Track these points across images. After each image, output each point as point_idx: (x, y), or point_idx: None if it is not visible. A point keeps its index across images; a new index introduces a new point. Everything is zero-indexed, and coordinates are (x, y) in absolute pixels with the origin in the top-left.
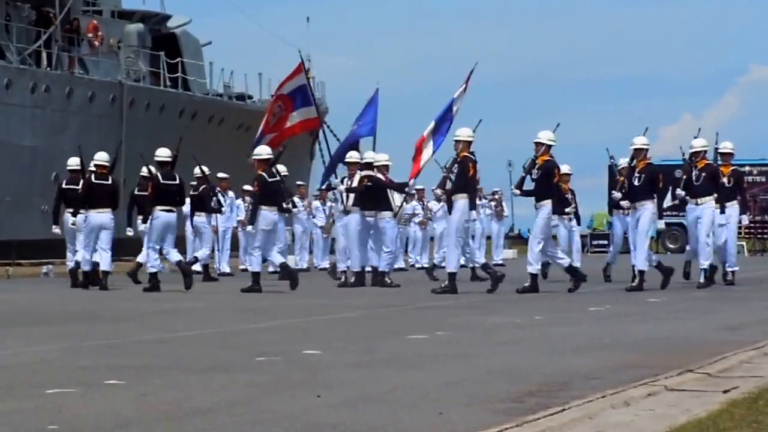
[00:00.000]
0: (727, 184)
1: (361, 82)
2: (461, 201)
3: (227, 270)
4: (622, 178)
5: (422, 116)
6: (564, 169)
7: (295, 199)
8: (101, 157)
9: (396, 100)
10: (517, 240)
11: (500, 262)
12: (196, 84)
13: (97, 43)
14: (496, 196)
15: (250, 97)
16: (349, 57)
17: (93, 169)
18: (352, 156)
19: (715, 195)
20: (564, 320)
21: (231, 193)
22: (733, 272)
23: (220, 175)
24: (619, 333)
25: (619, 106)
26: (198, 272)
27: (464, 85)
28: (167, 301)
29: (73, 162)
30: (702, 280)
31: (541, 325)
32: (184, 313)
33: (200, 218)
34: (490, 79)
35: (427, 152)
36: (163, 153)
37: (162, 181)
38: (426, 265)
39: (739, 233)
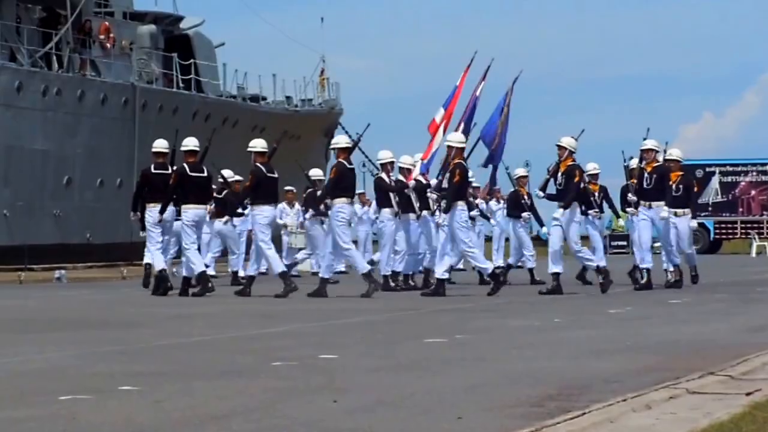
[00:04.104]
0: (675, 192)
1: (376, 82)
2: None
3: (242, 273)
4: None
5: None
6: (521, 172)
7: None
8: (191, 143)
9: (411, 100)
10: (535, 241)
11: (519, 264)
12: (209, 86)
13: (108, 44)
14: None
15: (264, 99)
16: (363, 57)
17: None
18: (387, 156)
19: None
20: (584, 323)
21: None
22: (671, 272)
23: (237, 177)
24: (640, 335)
25: (638, 106)
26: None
27: (482, 81)
28: (182, 306)
29: (161, 144)
30: (645, 280)
31: (560, 328)
32: (199, 319)
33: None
34: (507, 78)
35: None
36: None
37: None
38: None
39: (761, 233)
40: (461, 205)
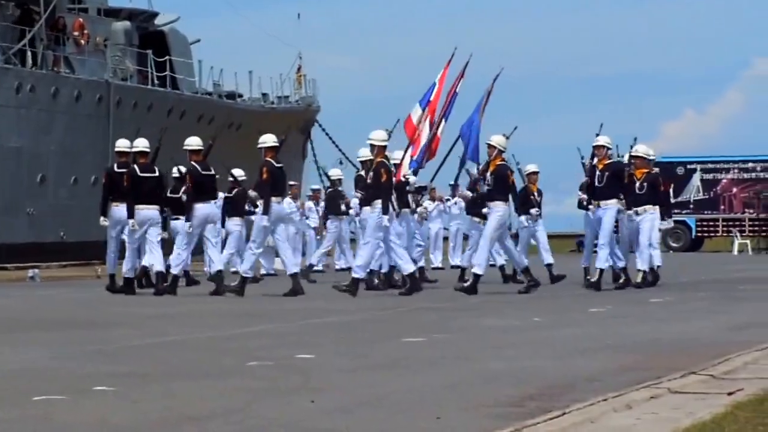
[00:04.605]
0: (639, 191)
1: (354, 79)
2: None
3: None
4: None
5: None
6: (531, 168)
7: (287, 199)
8: (140, 144)
9: (390, 97)
10: (516, 239)
11: (503, 262)
12: (184, 82)
13: (83, 41)
14: None
15: (240, 96)
16: (341, 54)
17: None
18: (367, 154)
19: (622, 196)
20: (564, 322)
21: (221, 194)
22: (644, 272)
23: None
24: (621, 334)
25: (619, 103)
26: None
27: (460, 78)
28: (158, 306)
29: (123, 144)
30: (611, 281)
31: (540, 327)
32: (176, 318)
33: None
34: (487, 75)
35: (424, 136)
36: None
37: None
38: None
39: (743, 231)
40: (378, 203)
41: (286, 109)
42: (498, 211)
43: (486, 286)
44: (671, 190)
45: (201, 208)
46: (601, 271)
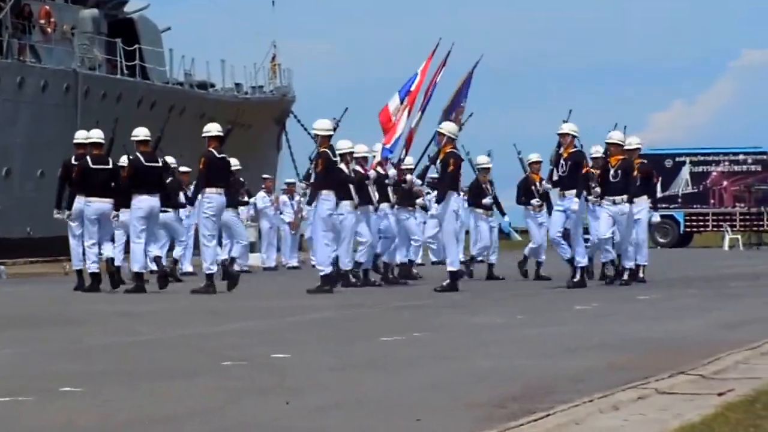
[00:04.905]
0: (613, 178)
1: (330, 69)
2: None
3: (190, 269)
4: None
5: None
6: (534, 157)
7: (261, 193)
8: (95, 135)
9: (367, 88)
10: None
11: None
12: (155, 72)
13: (49, 29)
14: None
15: (213, 86)
16: (317, 43)
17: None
18: (346, 146)
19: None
20: (549, 320)
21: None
22: (630, 269)
23: (183, 168)
24: (607, 333)
25: (609, 94)
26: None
27: (442, 67)
28: (128, 304)
29: (81, 136)
30: (576, 277)
31: (524, 325)
32: (147, 316)
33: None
34: (470, 64)
35: (401, 127)
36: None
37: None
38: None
39: (734, 226)
40: (325, 194)
41: (260, 99)
42: (448, 201)
43: (465, 283)
44: (659, 184)
45: (145, 200)
46: (583, 268)
